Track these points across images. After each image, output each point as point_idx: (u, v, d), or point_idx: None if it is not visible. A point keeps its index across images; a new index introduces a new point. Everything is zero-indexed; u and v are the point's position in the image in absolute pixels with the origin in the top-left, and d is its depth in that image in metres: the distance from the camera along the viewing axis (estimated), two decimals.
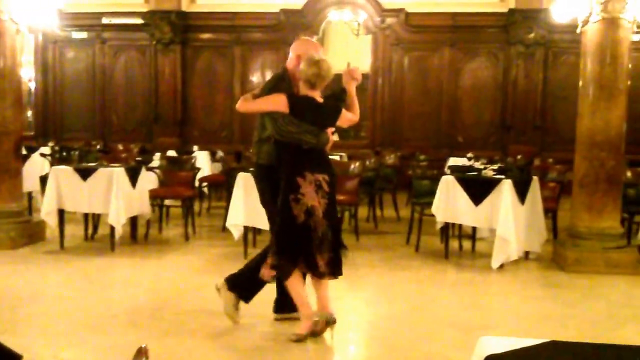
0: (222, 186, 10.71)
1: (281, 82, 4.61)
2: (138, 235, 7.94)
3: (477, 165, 8.34)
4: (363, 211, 9.26)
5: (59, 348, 4.28)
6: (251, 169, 7.12)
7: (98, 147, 13.82)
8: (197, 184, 9.56)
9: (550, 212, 7.71)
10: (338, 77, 4.63)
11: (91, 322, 4.80)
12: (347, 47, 14.29)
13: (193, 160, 9.91)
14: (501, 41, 14.35)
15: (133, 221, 7.82)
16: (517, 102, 14.28)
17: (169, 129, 14.98)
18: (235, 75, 15.05)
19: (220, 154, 12.51)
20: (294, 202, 4.31)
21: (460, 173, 7.41)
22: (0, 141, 7.40)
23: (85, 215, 7.86)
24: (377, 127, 14.59)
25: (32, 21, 7.87)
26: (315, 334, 4.44)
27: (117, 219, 7.11)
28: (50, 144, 12.74)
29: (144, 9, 14.76)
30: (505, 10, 14.03)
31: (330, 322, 4.46)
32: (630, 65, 6.82)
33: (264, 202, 4.78)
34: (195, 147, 12.99)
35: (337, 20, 14.91)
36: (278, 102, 4.35)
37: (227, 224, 6.98)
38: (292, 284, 4.39)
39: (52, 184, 7.19)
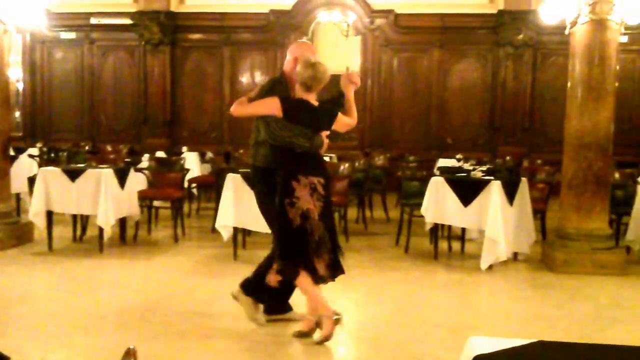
0: (211, 187, 10.71)
1: (278, 85, 4.59)
2: (127, 237, 7.90)
3: (466, 166, 8.35)
4: (352, 212, 9.27)
5: (47, 349, 4.26)
6: (241, 169, 7.16)
7: (87, 148, 13.79)
8: (186, 185, 9.55)
9: (539, 213, 7.74)
10: (335, 79, 4.62)
11: (80, 323, 4.77)
12: (336, 48, 14.29)
13: (182, 161, 9.89)
14: (490, 42, 14.40)
15: (122, 222, 7.79)
16: (505, 103, 14.34)
17: (158, 130, 14.95)
18: (224, 76, 15.04)
19: (209, 154, 12.49)
20: (289, 206, 4.30)
21: (449, 174, 7.42)
22: None
23: (74, 217, 7.83)
24: (367, 128, 14.60)
25: (20, 21, 7.82)
26: (305, 335, 4.44)
27: (106, 220, 7.09)
28: (39, 144, 12.68)
29: (133, 9, 14.72)
30: (494, 11, 14.08)
31: (319, 323, 4.47)
32: (618, 67, 6.85)
33: (262, 205, 4.76)
34: (184, 148, 12.98)
35: (326, 21, 14.90)
36: (271, 106, 4.33)
37: (217, 225, 6.97)
38: (306, 288, 4.39)
39: (41, 185, 7.16)
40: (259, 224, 6.79)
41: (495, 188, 6.60)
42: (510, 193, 6.83)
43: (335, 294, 5.43)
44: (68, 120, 15.52)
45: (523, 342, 1.80)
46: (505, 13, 13.86)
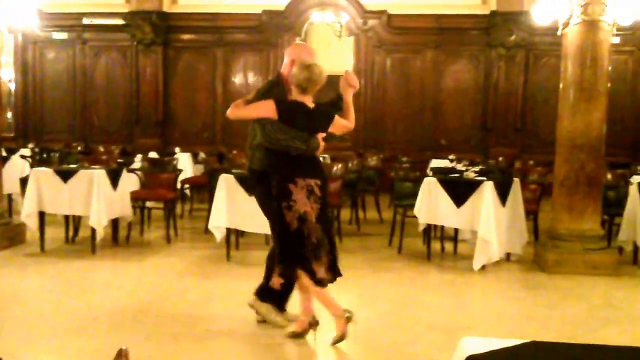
0: (204, 188, 10.69)
1: (275, 88, 4.58)
2: (119, 238, 7.89)
3: (459, 167, 8.36)
4: (345, 213, 9.27)
5: (39, 351, 4.25)
6: (234, 170, 7.15)
7: (79, 148, 13.74)
8: (178, 185, 9.53)
9: (531, 214, 7.76)
10: (332, 81, 4.61)
11: (72, 325, 4.76)
12: (329, 49, 14.29)
13: (175, 162, 9.87)
14: (482, 43, 14.44)
15: (114, 223, 7.77)
16: (498, 104, 14.37)
17: (150, 131, 14.93)
18: (217, 76, 15.03)
19: (202, 155, 12.48)
20: (287, 209, 4.29)
21: (442, 175, 7.43)
22: None
23: (66, 218, 7.80)
24: (360, 129, 14.56)
25: (12, 21, 7.80)
26: (298, 335, 4.44)
27: (98, 221, 7.07)
28: (31, 145, 12.65)
29: (125, 10, 14.70)
30: (486, 12, 14.11)
31: (313, 324, 4.47)
32: (610, 68, 6.87)
33: (263, 206, 4.76)
34: (176, 149, 12.95)
35: (319, 21, 14.91)
36: (266, 109, 4.32)
37: (210, 226, 6.96)
38: (314, 290, 4.38)
39: (33, 186, 7.13)
40: (252, 224, 6.83)
41: (487, 189, 6.61)
42: (503, 194, 6.84)
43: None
44: (60, 120, 15.48)
45: (515, 343, 1.80)
46: (497, 14, 13.90)
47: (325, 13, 14.76)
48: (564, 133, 6.86)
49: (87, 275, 6.47)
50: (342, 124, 4.55)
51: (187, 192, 11.08)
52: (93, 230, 7.16)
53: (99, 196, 7.05)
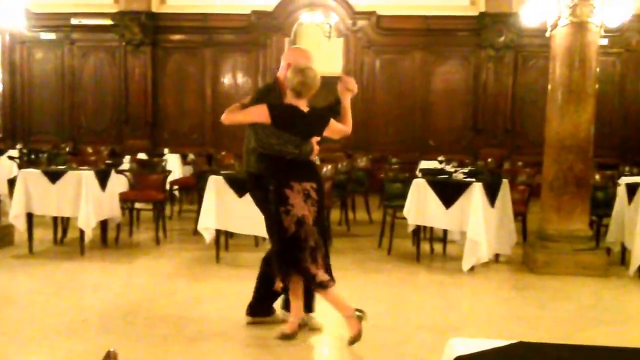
0: (193, 189, 10.65)
1: (270, 92, 4.58)
2: (108, 239, 7.85)
3: (448, 168, 8.38)
4: (335, 214, 9.27)
5: (28, 353, 4.23)
6: (223, 171, 7.14)
7: (67, 149, 13.67)
8: (168, 187, 9.49)
9: (520, 215, 7.78)
10: (322, 83, 4.60)
11: (61, 327, 4.74)
12: (318, 50, 14.28)
13: (164, 163, 9.84)
14: (472, 45, 14.46)
15: (103, 225, 7.74)
16: (487, 105, 14.41)
17: (139, 131, 14.87)
18: (206, 77, 14.99)
19: (191, 156, 12.44)
20: (284, 213, 4.29)
21: (431, 176, 7.45)
22: None
23: (55, 219, 7.77)
24: None
25: None
26: (289, 337, 4.44)
27: (87, 222, 7.04)
28: (18, 146, 12.58)
29: (114, 10, 14.63)
30: (475, 13, 14.14)
31: (303, 325, 4.47)
32: (598, 69, 6.91)
33: (260, 209, 4.76)
34: (165, 150, 12.90)
35: (308, 22, 14.91)
36: (259, 114, 4.31)
37: (199, 228, 6.94)
38: (322, 293, 4.37)
39: (21, 187, 7.09)
40: (241, 226, 6.83)
41: (476, 190, 6.63)
42: (492, 195, 6.86)
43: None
44: (48, 121, 15.39)
45: (504, 343, 1.81)
46: (486, 15, 13.93)
47: (315, 14, 14.75)
48: (553, 134, 6.89)
49: (76, 277, 6.45)
50: (339, 129, 4.55)
51: (176, 193, 11.05)
52: (82, 232, 7.13)
53: (88, 197, 7.03)
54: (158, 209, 8.25)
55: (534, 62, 14.27)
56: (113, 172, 7.75)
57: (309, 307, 4.72)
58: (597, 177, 8.34)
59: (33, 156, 11.53)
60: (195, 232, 7.66)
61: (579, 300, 5.91)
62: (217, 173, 7.05)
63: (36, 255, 7.20)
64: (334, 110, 4.67)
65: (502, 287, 6.42)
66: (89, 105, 15.27)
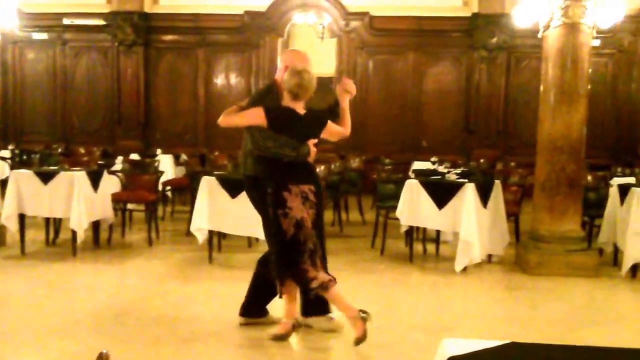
0: (185, 190, 10.64)
1: (268, 94, 4.57)
2: (100, 240, 7.83)
3: (441, 169, 8.39)
4: (328, 215, 9.23)
5: (20, 355, 4.21)
6: (216, 172, 7.13)
7: (59, 150, 13.64)
8: (160, 187, 9.47)
9: (512, 215, 7.80)
10: (319, 84, 4.60)
11: (53, 328, 4.72)
12: (311, 50, 14.27)
13: (156, 164, 9.81)
14: (464, 45, 14.48)
15: (95, 226, 7.72)
16: (480, 106, 14.43)
17: (131, 132, 14.83)
18: (199, 77, 14.96)
19: (184, 157, 12.43)
20: (283, 217, 4.28)
21: (424, 177, 7.45)
22: None
23: (47, 220, 7.74)
24: None
25: None
26: (281, 338, 4.43)
27: (79, 223, 7.02)
28: (10, 146, 12.54)
29: (106, 10, 14.59)
30: (468, 14, 14.16)
31: (296, 326, 4.47)
32: (590, 70, 6.93)
33: (258, 211, 4.75)
34: (158, 150, 12.88)
35: (301, 23, 14.91)
36: (256, 116, 4.31)
37: (191, 229, 6.93)
38: (327, 295, 4.36)
39: (12, 188, 7.07)
40: (234, 227, 6.83)
41: (469, 191, 6.64)
42: (484, 195, 6.87)
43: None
44: (40, 122, 15.34)
45: (496, 344, 1.81)
46: (479, 16, 13.95)
47: (308, 14, 14.75)
48: (545, 135, 6.90)
49: (68, 278, 6.42)
50: (337, 131, 4.56)
51: (169, 194, 11.03)
52: (74, 233, 7.10)
53: (80, 198, 7.00)
54: (150, 209, 8.23)
55: (527, 63, 14.30)
56: (105, 173, 7.73)
57: (325, 309, 4.69)
58: (589, 177, 8.36)
59: (25, 157, 11.50)
60: (188, 233, 7.64)
61: (572, 300, 5.93)
62: (209, 174, 7.04)
63: (28, 256, 7.17)
64: (332, 112, 4.67)
65: (495, 288, 6.43)
66: (81, 105, 15.22)
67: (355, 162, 12.09)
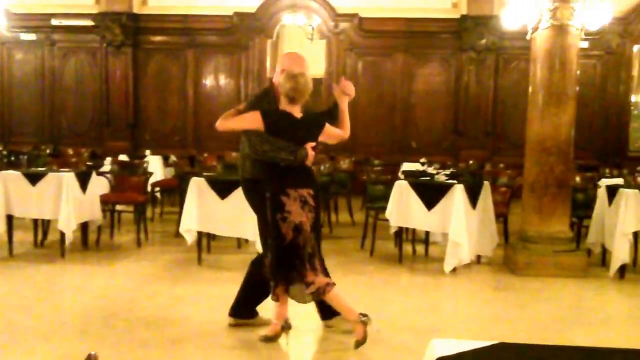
0: (174, 191, 10.62)
1: (265, 98, 4.57)
2: (89, 242, 7.80)
3: (430, 170, 8.41)
4: None
5: (8, 356, 4.18)
6: (205, 173, 7.11)
7: (47, 151, 13.57)
8: (149, 189, 9.45)
9: (501, 216, 7.82)
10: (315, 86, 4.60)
11: (41, 329, 4.70)
12: (301, 52, 14.25)
13: (145, 165, 9.78)
14: (453, 47, 14.52)
15: (84, 227, 7.69)
16: (469, 107, 14.47)
17: (120, 133, 14.78)
18: (188, 78, 14.93)
19: (173, 158, 12.39)
20: (282, 221, 4.27)
21: (413, 178, 7.47)
22: None
23: (35, 221, 7.70)
24: None
25: None
26: (271, 339, 4.43)
27: (68, 224, 6.99)
28: None
29: (95, 11, 14.55)
30: (457, 16, 14.20)
31: (286, 327, 4.46)
32: (578, 72, 6.96)
33: (256, 214, 4.74)
34: (147, 152, 12.83)
35: (291, 24, 14.90)
36: (253, 120, 4.30)
37: (181, 230, 6.92)
38: (329, 296, 4.36)
39: (0, 189, 7.03)
40: (223, 228, 6.82)
41: (458, 192, 6.66)
42: (473, 197, 6.89)
43: None
44: (28, 122, 15.25)
45: (485, 344, 1.82)
46: (468, 18, 14.00)
47: (297, 15, 14.75)
48: (534, 136, 6.93)
49: (57, 280, 6.40)
50: (335, 133, 4.55)
51: (158, 195, 11.00)
52: (62, 234, 7.07)
53: (68, 199, 6.98)
54: (139, 211, 8.21)
55: (515, 64, 14.35)
56: (94, 174, 7.70)
57: (331, 312, 4.67)
58: (578, 179, 8.39)
59: (13, 158, 11.44)
60: (177, 234, 7.63)
61: (560, 301, 5.95)
62: (199, 175, 7.03)
63: (16, 258, 7.14)
64: (331, 114, 4.66)
65: (484, 289, 6.45)
66: (70, 106, 15.15)
67: (344, 164, 12.10)
